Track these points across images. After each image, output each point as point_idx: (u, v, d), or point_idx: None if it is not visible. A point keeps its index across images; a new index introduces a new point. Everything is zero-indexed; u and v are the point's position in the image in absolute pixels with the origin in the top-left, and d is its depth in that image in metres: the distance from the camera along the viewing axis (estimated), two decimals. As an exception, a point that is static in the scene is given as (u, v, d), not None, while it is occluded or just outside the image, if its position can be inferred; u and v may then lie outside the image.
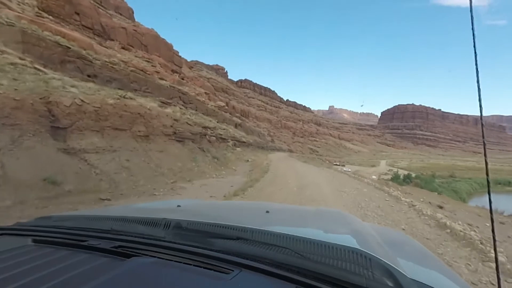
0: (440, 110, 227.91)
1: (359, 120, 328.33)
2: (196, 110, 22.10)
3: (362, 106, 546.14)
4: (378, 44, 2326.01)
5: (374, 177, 42.26)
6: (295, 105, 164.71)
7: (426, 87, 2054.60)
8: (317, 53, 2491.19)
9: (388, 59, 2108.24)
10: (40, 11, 19.25)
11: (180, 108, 17.41)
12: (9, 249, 0.77)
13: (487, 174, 0.87)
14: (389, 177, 43.69)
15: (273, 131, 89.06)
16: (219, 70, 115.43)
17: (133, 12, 37.08)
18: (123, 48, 27.33)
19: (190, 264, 0.67)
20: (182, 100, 21.03)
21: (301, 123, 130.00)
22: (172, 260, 0.69)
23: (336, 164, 43.47)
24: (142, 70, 18.21)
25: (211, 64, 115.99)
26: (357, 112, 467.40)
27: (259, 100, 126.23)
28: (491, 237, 0.88)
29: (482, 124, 0.89)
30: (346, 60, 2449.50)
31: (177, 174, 11.06)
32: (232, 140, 20.56)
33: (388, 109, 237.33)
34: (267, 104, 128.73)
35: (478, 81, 0.83)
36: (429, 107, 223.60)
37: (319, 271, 0.60)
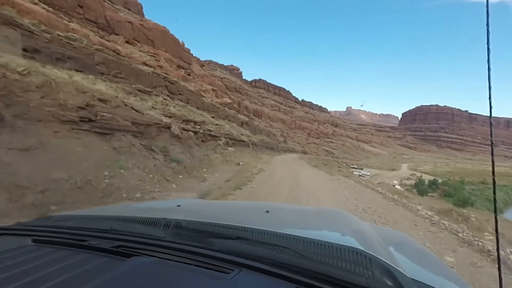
0: (467, 111, 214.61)
1: (378, 122, 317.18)
2: (187, 103, 20.06)
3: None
4: (399, 44, 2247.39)
5: (395, 181, 39.06)
6: (310, 105, 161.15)
7: (451, 88, 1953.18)
8: (334, 54, 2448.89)
9: (410, 59, 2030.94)
10: (38, 1, 18.46)
11: (164, 99, 15.37)
12: (9, 249, 0.77)
13: (493, 174, 0.89)
14: (412, 182, 40.35)
15: (286, 132, 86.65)
16: (233, 70, 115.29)
17: (142, 7, 36.49)
18: (127, 42, 26.47)
19: (190, 264, 0.67)
20: (168, 90, 18.81)
21: (316, 123, 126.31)
22: (172, 260, 0.69)
23: (354, 167, 40.32)
24: (114, 51, 15.57)
25: (226, 64, 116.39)
26: (376, 113, 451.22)
27: (273, 100, 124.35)
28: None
29: (490, 123, 0.87)
30: (364, 60, 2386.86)
31: (30, 197, 4.60)
32: (225, 138, 17.81)
33: (409, 110, 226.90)
34: (281, 104, 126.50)
35: (489, 79, 0.82)
36: (454, 108, 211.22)
37: (319, 271, 0.60)
